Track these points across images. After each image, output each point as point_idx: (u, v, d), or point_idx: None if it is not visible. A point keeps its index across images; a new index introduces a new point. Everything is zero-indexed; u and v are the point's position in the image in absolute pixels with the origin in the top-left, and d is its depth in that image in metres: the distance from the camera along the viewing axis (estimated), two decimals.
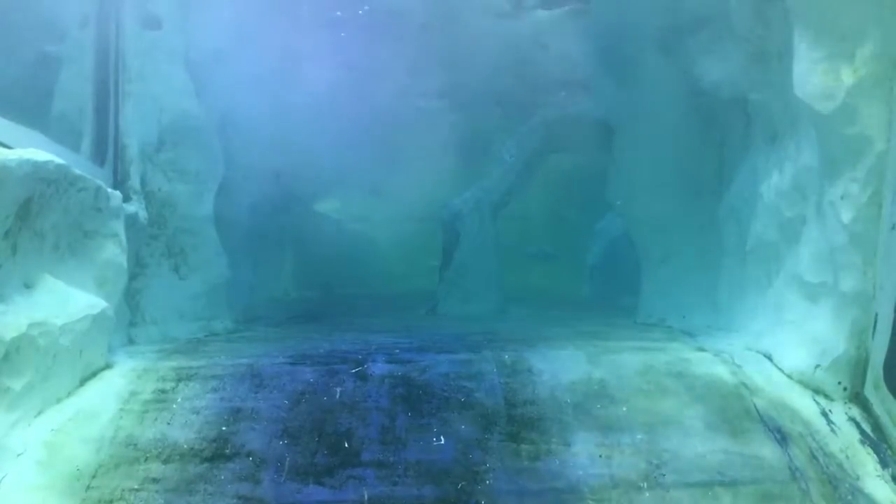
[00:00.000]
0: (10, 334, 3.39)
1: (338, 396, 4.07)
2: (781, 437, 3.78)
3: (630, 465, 3.60)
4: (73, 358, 3.97)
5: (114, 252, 4.68)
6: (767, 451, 3.69)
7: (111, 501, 3.28)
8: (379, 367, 4.42)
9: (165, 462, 3.52)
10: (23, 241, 3.76)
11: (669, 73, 7.06)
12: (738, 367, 4.52)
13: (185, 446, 3.63)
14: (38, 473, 3.33)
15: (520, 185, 10.68)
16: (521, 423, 3.89)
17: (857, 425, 3.84)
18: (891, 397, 3.68)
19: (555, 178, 12.54)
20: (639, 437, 3.79)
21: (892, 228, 3.74)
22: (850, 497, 3.42)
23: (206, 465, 3.51)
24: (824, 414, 3.96)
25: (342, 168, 12.51)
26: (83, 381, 4.11)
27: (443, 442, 3.73)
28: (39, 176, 3.78)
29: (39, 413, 3.66)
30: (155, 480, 3.40)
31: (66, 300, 4.04)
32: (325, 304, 11.21)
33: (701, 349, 5.06)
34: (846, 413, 3.93)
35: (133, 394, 4.05)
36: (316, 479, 3.46)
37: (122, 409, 3.88)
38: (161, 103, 5.99)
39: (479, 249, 9.95)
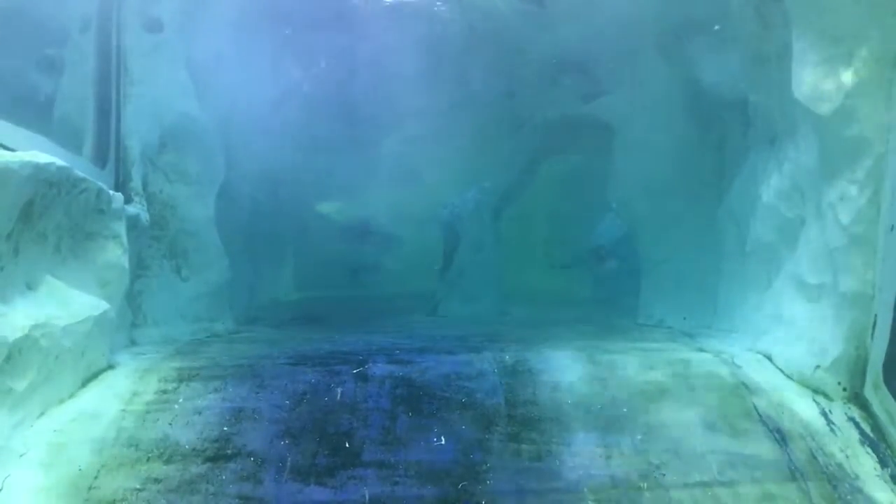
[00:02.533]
0: (12, 336, 3.41)
1: (339, 397, 4.08)
2: (781, 437, 3.79)
3: (630, 465, 3.61)
4: (75, 359, 3.99)
5: (115, 253, 4.70)
6: (767, 451, 3.70)
7: (113, 502, 3.29)
8: (380, 368, 4.43)
9: (167, 462, 3.53)
10: (25, 242, 3.77)
11: (669, 75, 7.09)
12: (738, 367, 4.53)
13: (187, 446, 3.64)
14: (41, 474, 3.35)
15: (520, 186, 10.69)
16: (521, 423, 3.90)
17: (857, 425, 3.85)
18: (890, 397, 3.69)
19: (555, 179, 12.54)
20: (639, 437, 3.81)
21: (891, 230, 3.75)
22: (849, 497, 3.43)
23: (207, 465, 3.53)
24: (824, 414, 3.97)
25: (342, 169, 12.53)
26: (85, 382, 4.13)
27: (443, 442, 3.74)
28: (41, 178, 3.79)
29: (42, 414, 3.68)
30: (157, 480, 3.42)
31: (68, 301, 4.06)
32: (326, 305, 11.21)
33: (701, 350, 5.07)
34: (845, 413, 3.94)
35: (135, 394, 4.07)
36: (317, 480, 3.47)
37: (123, 410, 3.90)
38: (162, 106, 6.00)
39: (480, 251, 9.97)
